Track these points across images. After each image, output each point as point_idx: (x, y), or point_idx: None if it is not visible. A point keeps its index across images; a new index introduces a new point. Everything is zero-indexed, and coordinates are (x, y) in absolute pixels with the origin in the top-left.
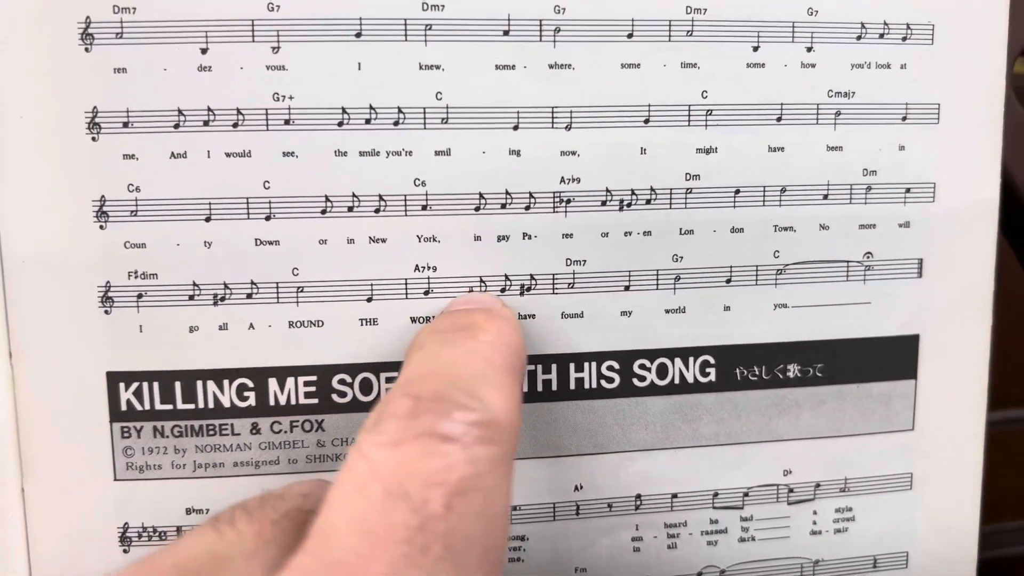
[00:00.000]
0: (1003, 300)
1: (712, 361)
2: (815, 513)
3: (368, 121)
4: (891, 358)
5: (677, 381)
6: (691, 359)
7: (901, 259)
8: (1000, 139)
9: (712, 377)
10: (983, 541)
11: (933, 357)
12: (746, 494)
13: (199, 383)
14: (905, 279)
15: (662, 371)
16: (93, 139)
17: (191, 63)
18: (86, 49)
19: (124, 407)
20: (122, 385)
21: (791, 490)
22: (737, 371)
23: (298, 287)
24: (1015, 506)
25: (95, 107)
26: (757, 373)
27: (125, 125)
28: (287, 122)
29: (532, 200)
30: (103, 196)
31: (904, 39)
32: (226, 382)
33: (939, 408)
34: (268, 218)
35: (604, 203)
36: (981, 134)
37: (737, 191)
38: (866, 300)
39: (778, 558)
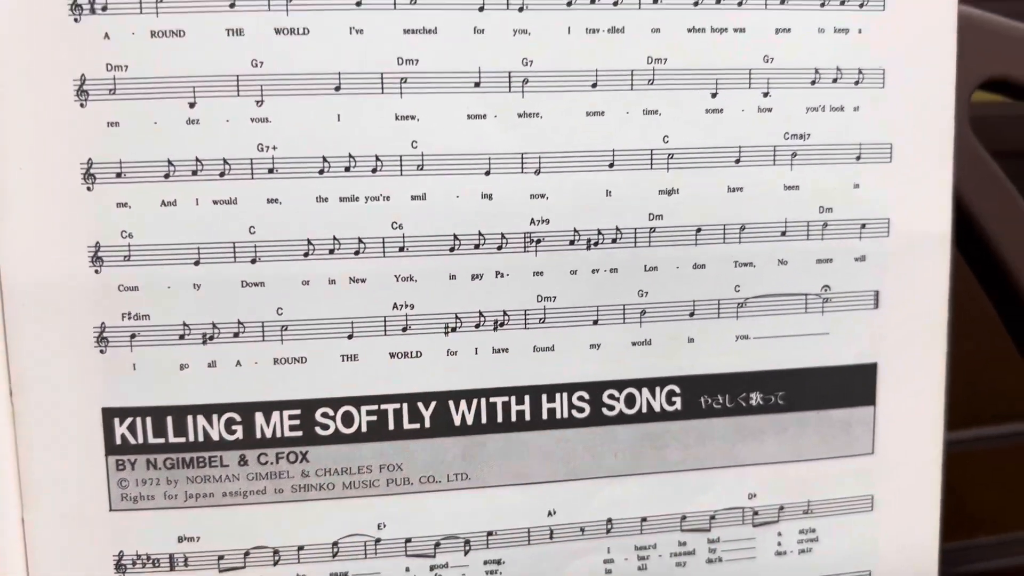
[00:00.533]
0: (978, 320)
1: (678, 391)
2: (780, 535)
3: (348, 169)
4: (850, 386)
5: (644, 410)
6: (657, 389)
7: (858, 291)
8: (950, 176)
9: (678, 406)
10: (958, 557)
11: (891, 384)
12: (713, 517)
13: (189, 417)
14: (862, 310)
15: (630, 401)
16: (88, 189)
17: (180, 116)
18: (81, 105)
19: (119, 441)
20: (117, 420)
21: (756, 513)
22: (702, 400)
23: (282, 326)
24: (989, 522)
25: (90, 159)
26: (721, 401)
27: (118, 175)
28: (271, 171)
29: (504, 240)
30: (98, 242)
31: (856, 83)
32: (215, 416)
33: (898, 433)
34: (254, 261)
35: (572, 242)
36: (932, 171)
37: (698, 229)
38: (824, 331)
39: None
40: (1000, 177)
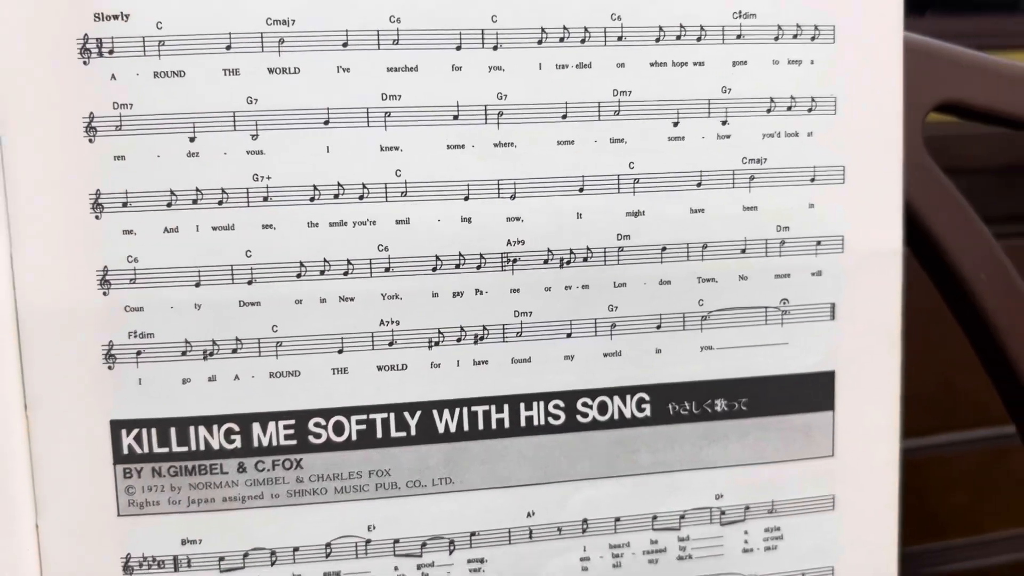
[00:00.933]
0: (952, 329)
1: (647, 398)
2: (746, 533)
3: (336, 196)
4: (809, 393)
5: (616, 417)
6: (628, 397)
7: (815, 304)
8: (901, 195)
9: (648, 412)
10: (932, 558)
11: (848, 390)
12: (682, 516)
13: (191, 428)
14: (819, 322)
15: (603, 408)
16: (96, 217)
17: (181, 150)
18: (90, 140)
19: (126, 451)
20: (124, 431)
21: (723, 512)
22: (670, 407)
23: (277, 342)
24: (961, 524)
25: (98, 190)
26: (688, 408)
27: (124, 205)
28: (265, 199)
29: (483, 260)
30: (106, 266)
31: (810, 110)
32: (215, 427)
33: (856, 436)
34: (250, 282)
35: (546, 261)
36: (884, 191)
37: (664, 248)
38: (784, 341)
39: (714, 574)
40: (953, 193)
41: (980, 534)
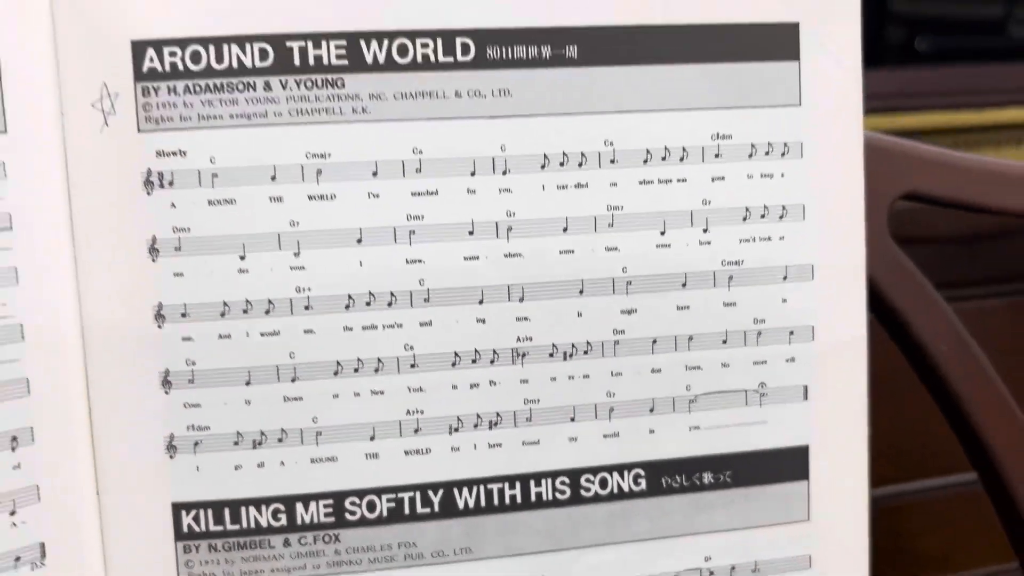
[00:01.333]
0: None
1: (643, 473)
2: None
3: (368, 304)
4: (786, 465)
5: (615, 491)
6: (626, 473)
7: (789, 386)
8: (864, 289)
9: (643, 486)
10: None
11: (821, 462)
12: None
13: (243, 508)
14: (794, 402)
15: (603, 483)
16: (159, 327)
17: (232, 267)
18: (152, 259)
19: (186, 529)
20: (184, 512)
21: (712, 572)
22: (663, 480)
23: (317, 431)
24: (937, 564)
25: (160, 303)
26: (679, 481)
27: (183, 315)
28: (307, 308)
29: (496, 355)
30: (167, 369)
31: (781, 218)
32: (263, 507)
33: (829, 502)
34: (293, 380)
35: (551, 355)
36: (848, 285)
37: (654, 341)
38: (763, 420)
39: None
40: (915, 273)
41: (953, 573)
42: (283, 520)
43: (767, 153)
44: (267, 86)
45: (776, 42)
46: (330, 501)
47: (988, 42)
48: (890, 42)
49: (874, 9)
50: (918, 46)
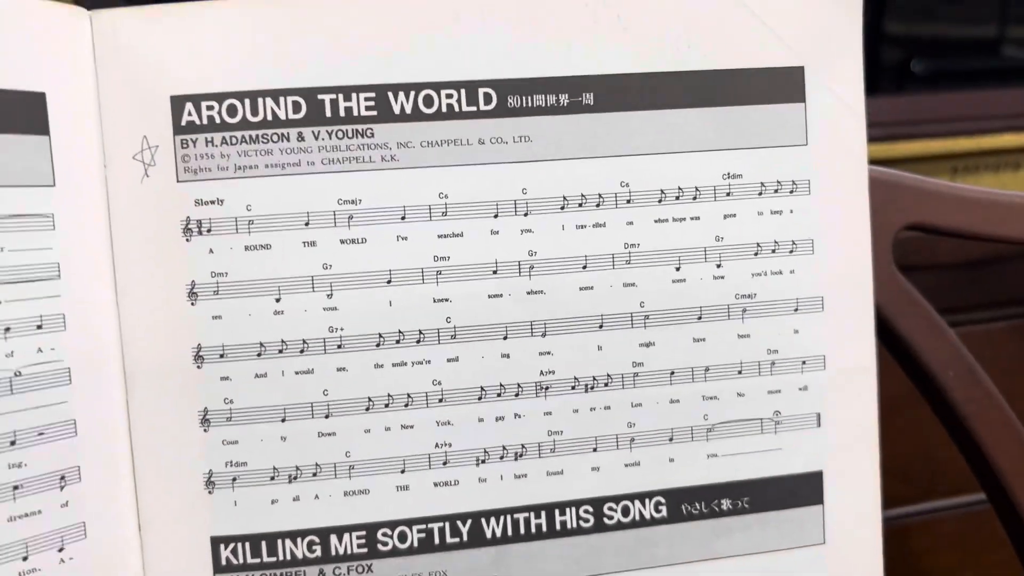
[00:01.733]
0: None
1: (663, 501)
2: None
3: (398, 342)
4: (801, 490)
5: (637, 518)
6: (647, 501)
7: (803, 414)
8: (872, 318)
9: (664, 513)
10: None
11: (834, 487)
12: None
13: (279, 541)
14: (807, 429)
15: (625, 511)
16: (198, 367)
17: (268, 309)
18: (192, 303)
19: (224, 562)
20: (222, 545)
21: None
22: (683, 507)
23: (350, 465)
24: None
25: (199, 344)
26: (698, 508)
27: (221, 356)
28: (339, 347)
29: (520, 389)
30: (206, 407)
31: (791, 252)
32: (299, 539)
33: (843, 525)
34: (327, 416)
35: (573, 388)
36: (857, 316)
37: (672, 372)
38: (778, 447)
39: None
40: (920, 301)
41: None
42: (318, 552)
43: (776, 191)
44: (300, 136)
45: (783, 86)
46: (363, 533)
47: (981, 63)
48: (886, 65)
49: (869, 32)
50: (914, 68)
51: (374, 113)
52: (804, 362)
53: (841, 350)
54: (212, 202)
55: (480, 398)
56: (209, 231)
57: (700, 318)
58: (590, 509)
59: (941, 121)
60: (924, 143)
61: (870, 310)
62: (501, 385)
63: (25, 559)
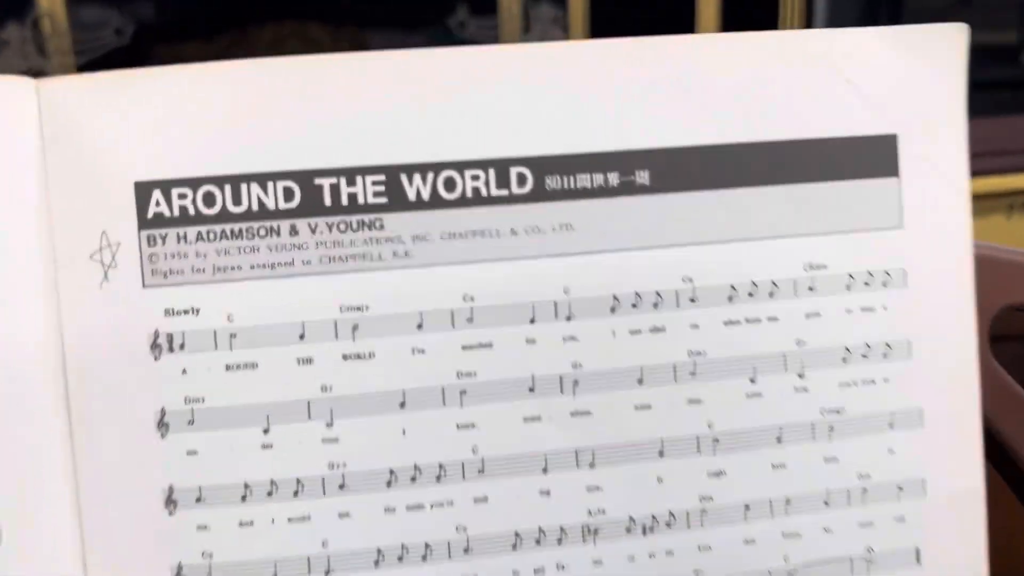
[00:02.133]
0: None
1: None
2: None
3: (413, 479)
4: None
5: None
6: None
7: (899, 550)
8: (979, 433)
9: None
10: None
11: None
12: None
13: None
14: (905, 568)
15: None
16: (170, 514)
17: (255, 442)
18: (162, 435)
19: None
20: None
21: None
22: None
23: None
24: None
25: (171, 486)
26: None
27: (198, 500)
28: (342, 487)
29: (563, 534)
30: (180, 563)
31: (885, 356)
32: None
33: None
34: (327, 572)
35: (628, 530)
36: (962, 431)
37: (747, 507)
38: None
39: None
40: (1022, 397)
41: None
42: None
43: (867, 284)
44: (293, 230)
45: (872, 157)
46: None
47: (1000, 72)
48: None
49: None
50: None
51: (383, 200)
52: (901, 488)
53: (944, 472)
54: (186, 312)
55: (515, 547)
56: (182, 347)
57: (780, 440)
58: None
59: (994, 155)
60: (978, 181)
61: (977, 422)
62: (540, 530)
63: None
